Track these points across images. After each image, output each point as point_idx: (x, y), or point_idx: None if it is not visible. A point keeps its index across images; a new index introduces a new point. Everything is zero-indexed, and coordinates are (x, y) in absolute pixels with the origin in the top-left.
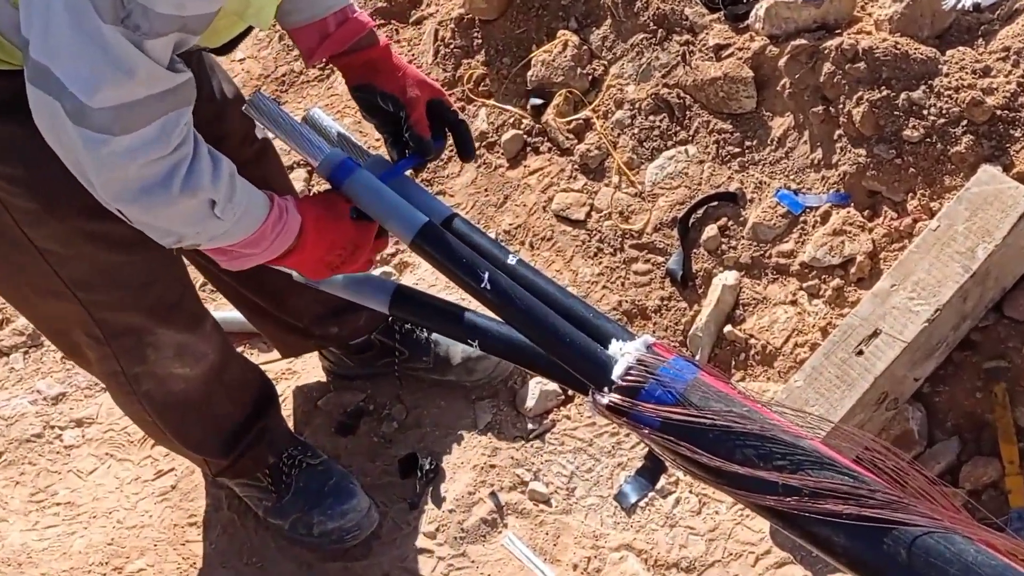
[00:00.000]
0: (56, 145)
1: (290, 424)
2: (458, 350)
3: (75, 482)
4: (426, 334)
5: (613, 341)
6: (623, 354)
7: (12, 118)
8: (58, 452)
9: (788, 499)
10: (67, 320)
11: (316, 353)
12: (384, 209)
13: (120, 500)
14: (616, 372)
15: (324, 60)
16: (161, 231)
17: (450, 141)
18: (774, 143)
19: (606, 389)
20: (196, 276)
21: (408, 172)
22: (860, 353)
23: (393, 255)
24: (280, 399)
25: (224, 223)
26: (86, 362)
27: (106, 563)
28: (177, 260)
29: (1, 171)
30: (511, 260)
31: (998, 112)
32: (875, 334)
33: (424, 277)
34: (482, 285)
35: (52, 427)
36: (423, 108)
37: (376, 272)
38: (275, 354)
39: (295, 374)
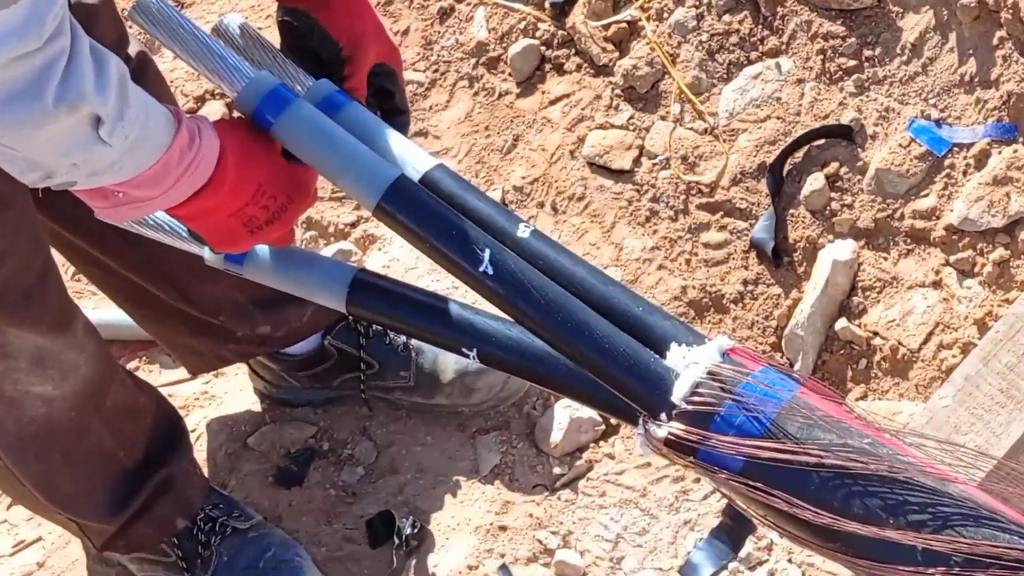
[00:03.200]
0: None
1: (207, 471)
2: (450, 362)
3: None
4: (404, 339)
5: (673, 346)
6: (688, 365)
7: None
8: None
9: (931, 571)
10: None
11: (244, 368)
12: (337, 158)
13: None
14: (678, 391)
15: None
16: (22, 162)
17: None
18: (906, 52)
19: (664, 416)
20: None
21: None
22: None
23: (353, 225)
24: (192, 436)
25: (112, 150)
26: None
27: None
28: (37, 228)
29: None
30: (523, 231)
31: None
32: None
33: (399, 257)
34: (481, 268)
35: None
36: (366, 72)
37: (328, 252)
38: (182, 371)
39: (213, 399)
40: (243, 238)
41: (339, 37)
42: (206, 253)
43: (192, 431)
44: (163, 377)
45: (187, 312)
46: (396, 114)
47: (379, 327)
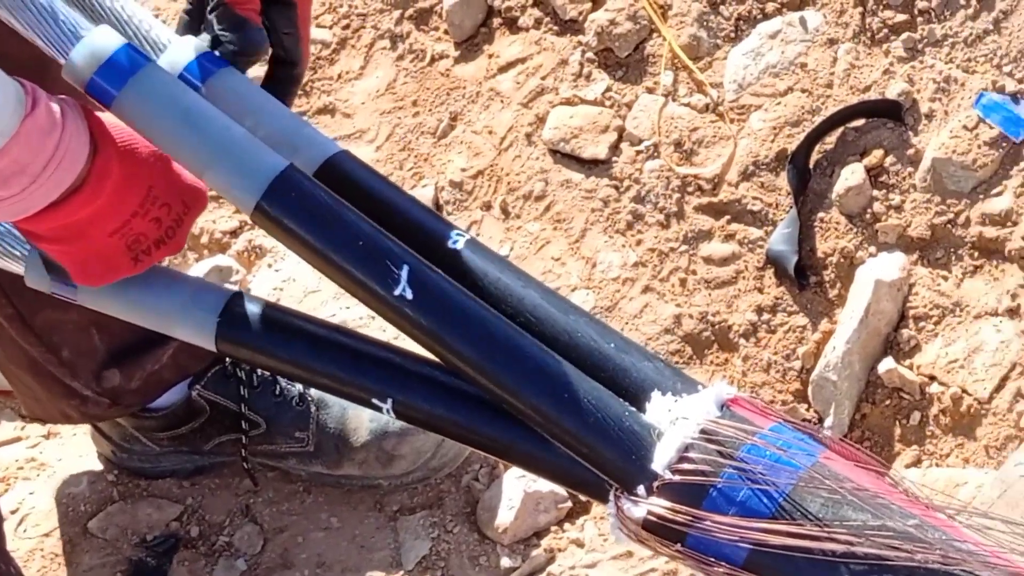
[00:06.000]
0: None
1: (31, 568)
2: (364, 419)
3: None
4: (300, 388)
5: (656, 396)
6: (675, 420)
7: None
8: None
9: None
10: None
11: (85, 427)
12: (202, 143)
13: None
14: (661, 457)
15: None
16: None
17: None
18: (971, 4)
19: (642, 490)
20: None
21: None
22: None
23: (233, 234)
24: (13, 519)
25: None
26: None
27: None
28: None
29: None
30: (455, 241)
31: None
32: None
33: (295, 276)
34: (397, 292)
35: None
36: None
37: (203, 268)
38: (3, 429)
39: (43, 468)
40: (123, 266)
41: None
42: (26, 271)
43: (13, 512)
44: None
45: (28, 354)
46: (288, 64)
47: (265, 372)
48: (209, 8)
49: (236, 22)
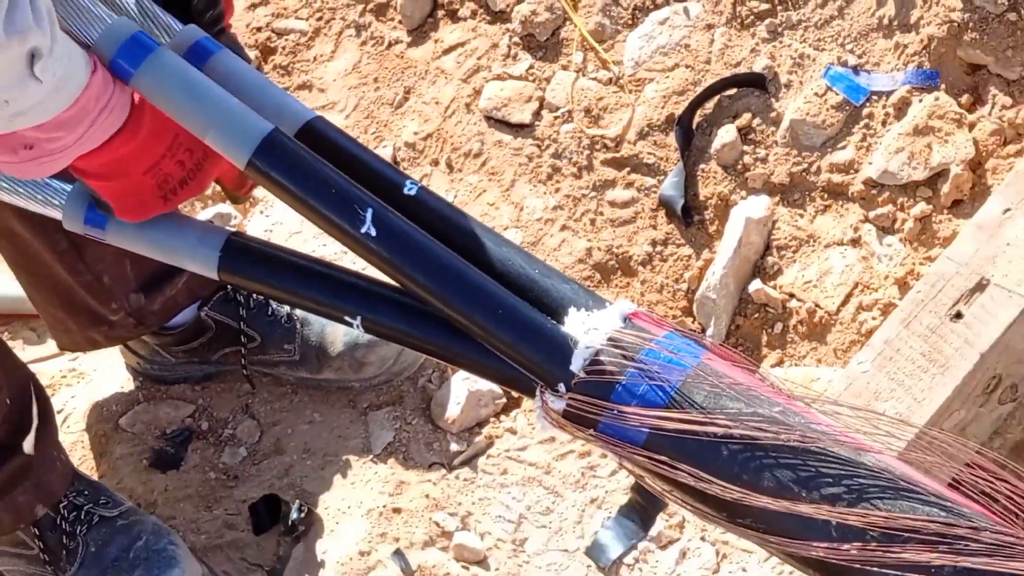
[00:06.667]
0: None
1: (76, 456)
2: (339, 333)
3: None
4: (287, 309)
5: (572, 311)
6: (587, 331)
7: None
8: None
9: (846, 546)
10: None
11: None
12: (201, 111)
13: None
14: (577, 360)
15: None
16: None
17: None
18: None
19: (562, 387)
20: None
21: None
22: (958, 317)
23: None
24: (58, 416)
25: (42, 88)
26: None
27: None
28: None
29: None
30: (409, 189)
31: None
32: (980, 286)
33: (282, 220)
34: (363, 230)
35: None
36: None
37: (208, 214)
38: (48, 347)
39: (82, 377)
40: (155, 202)
41: None
42: (64, 215)
43: (58, 412)
44: (27, 353)
45: (67, 281)
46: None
47: (259, 296)
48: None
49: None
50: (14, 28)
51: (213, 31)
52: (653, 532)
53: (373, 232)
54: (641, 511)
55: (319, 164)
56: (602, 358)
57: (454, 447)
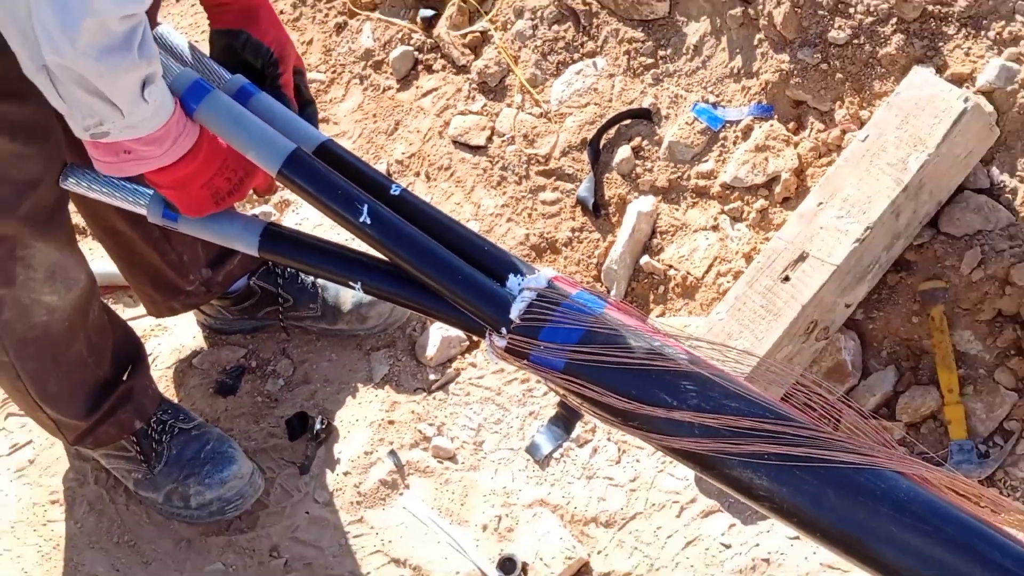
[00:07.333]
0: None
1: (162, 386)
2: (348, 296)
3: None
4: (311, 279)
5: (511, 276)
6: (521, 290)
7: None
8: None
9: (705, 441)
10: None
11: None
12: (245, 136)
13: None
14: (514, 310)
15: None
16: (87, 111)
17: None
18: (690, 51)
19: (504, 330)
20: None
21: None
22: (786, 279)
23: (280, 193)
24: (150, 357)
25: (145, 108)
26: None
27: None
28: (64, 159)
29: None
30: (394, 190)
31: (929, 7)
32: (802, 258)
33: (308, 216)
34: (361, 219)
35: None
36: (291, 71)
37: (256, 212)
38: (139, 310)
39: (166, 330)
40: (209, 207)
41: (270, 44)
42: (148, 212)
43: (149, 355)
44: (125, 314)
45: (156, 266)
46: (308, 104)
47: (290, 269)
48: (267, 85)
49: (288, 101)
50: (144, 54)
51: (271, 84)
52: (574, 435)
53: (369, 222)
54: (565, 420)
55: (329, 172)
56: (532, 309)
57: (432, 377)
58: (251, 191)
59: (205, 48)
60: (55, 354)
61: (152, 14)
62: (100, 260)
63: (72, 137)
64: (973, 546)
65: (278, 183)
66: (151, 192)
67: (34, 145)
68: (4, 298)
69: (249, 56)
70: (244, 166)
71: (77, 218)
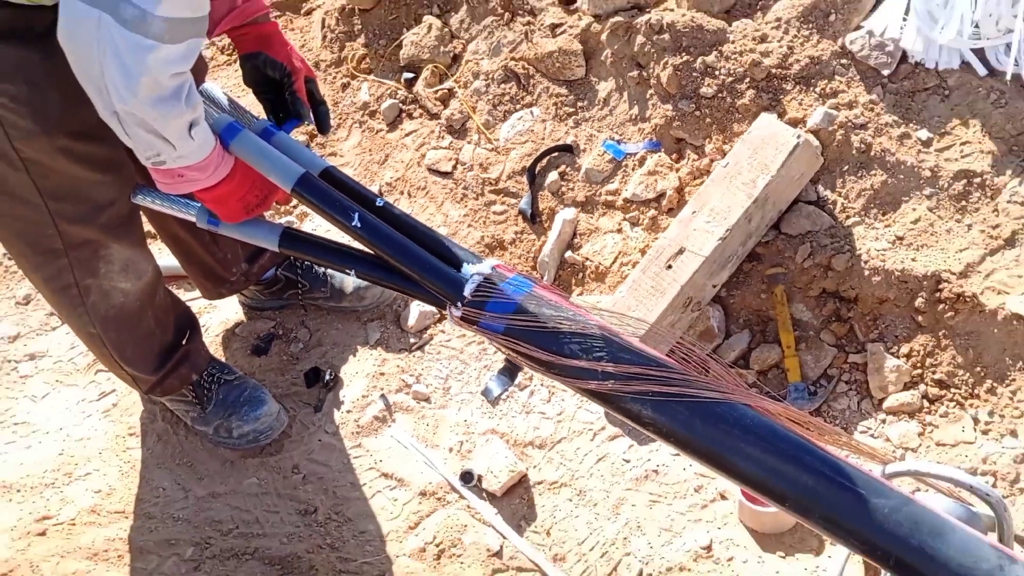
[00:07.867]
0: (83, 55)
1: (212, 349)
2: (350, 282)
3: (29, 405)
4: (322, 269)
5: (465, 264)
6: (472, 274)
7: (21, 43)
8: (15, 381)
9: (606, 383)
10: (32, 232)
11: None
12: (266, 163)
13: (69, 418)
14: (467, 289)
15: (223, 31)
16: (147, 145)
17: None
18: (600, 103)
19: (459, 304)
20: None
21: (292, 134)
22: (669, 267)
23: (295, 207)
24: (202, 328)
25: (192, 144)
26: (43, 277)
27: (57, 469)
28: (135, 183)
29: (5, 89)
30: (379, 203)
31: (773, 70)
32: (681, 252)
33: (321, 224)
34: (353, 224)
35: (9, 361)
36: (303, 80)
37: (282, 220)
38: (197, 294)
39: (215, 308)
40: (242, 216)
41: (283, 60)
42: (196, 219)
43: (203, 326)
44: (185, 297)
45: (207, 262)
46: (320, 104)
47: (305, 262)
48: (286, 93)
49: (301, 103)
50: (189, 103)
51: (288, 91)
52: (517, 381)
53: (359, 226)
54: (510, 370)
55: (330, 189)
56: (480, 288)
57: (412, 340)
58: (274, 203)
59: (242, 101)
60: (130, 327)
61: (200, 76)
62: (167, 257)
63: (141, 166)
64: (801, 458)
65: (292, 198)
66: (199, 205)
67: (110, 174)
68: (91, 286)
69: (269, 71)
70: (268, 185)
71: (149, 227)
